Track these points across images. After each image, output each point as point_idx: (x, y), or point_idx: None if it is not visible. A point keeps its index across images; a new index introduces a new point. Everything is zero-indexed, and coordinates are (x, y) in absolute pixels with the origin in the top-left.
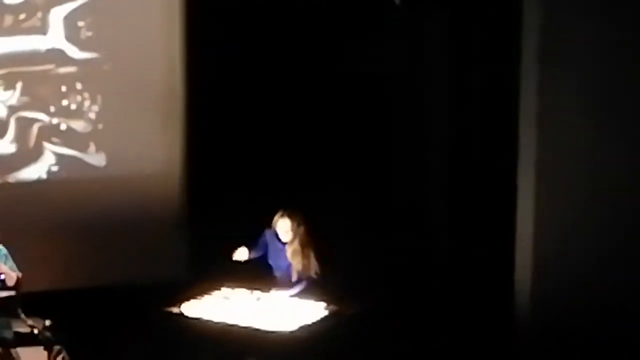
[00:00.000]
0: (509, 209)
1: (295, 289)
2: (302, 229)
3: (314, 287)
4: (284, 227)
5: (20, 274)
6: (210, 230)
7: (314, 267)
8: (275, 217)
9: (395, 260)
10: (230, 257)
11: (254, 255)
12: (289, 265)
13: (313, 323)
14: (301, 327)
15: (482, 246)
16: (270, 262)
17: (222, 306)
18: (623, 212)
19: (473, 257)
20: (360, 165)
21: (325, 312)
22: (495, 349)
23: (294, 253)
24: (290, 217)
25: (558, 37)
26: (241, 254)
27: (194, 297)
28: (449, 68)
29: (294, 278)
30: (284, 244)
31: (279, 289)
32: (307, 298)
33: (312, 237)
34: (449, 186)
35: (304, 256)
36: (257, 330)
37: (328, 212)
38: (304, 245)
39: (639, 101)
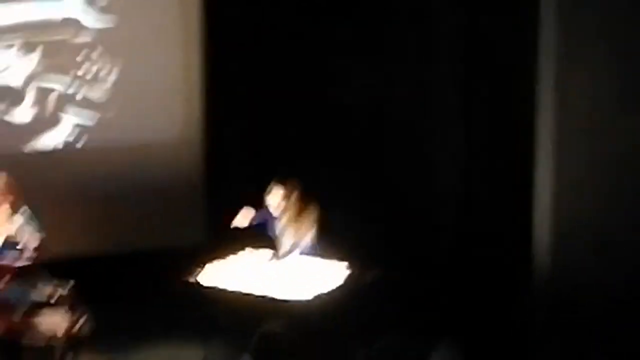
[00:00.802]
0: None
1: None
2: (294, 196)
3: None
4: (274, 201)
5: (43, 235)
6: (229, 196)
7: (310, 233)
8: (267, 192)
9: (409, 227)
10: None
11: (255, 222)
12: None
13: (330, 291)
14: (317, 296)
15: (499, 218)
16: (270, 234)
17: (240, 271)
18: None
19: (489, 227)
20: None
21: (342, 279)
22: (512, 320)
23: (287, 223)
24: (282, 187)
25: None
26: (243, 217)
27: (212, 263)
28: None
29: (291, 248)
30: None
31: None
32: (328, 258)
33: (308, 203)
34: (464, 157)
35: (298, 225)
36: (273, 299)
37: (334, 181)
38: (298, 213)
39: None
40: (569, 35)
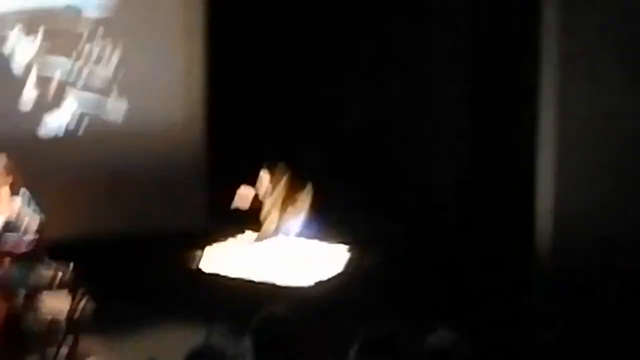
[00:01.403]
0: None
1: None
2: (283, 181)
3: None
4: (261, 185)
5: (43, 217)
6: (232, 180)
7: (297, 218)
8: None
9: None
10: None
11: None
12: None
13: (331, 277)
14: (318, 282)
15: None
16: None
17: (242, 255)
18: None
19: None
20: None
21: (343, 264)
22: (514, 295)
23: (272, 207)
24: (268, 172)
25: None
26: (243, 197)
27: (214, 246)
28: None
29: (272, 231)
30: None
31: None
32: (330, 242)
33: (300, 188)
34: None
35: (284, 209)
36: (274, 285)
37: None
38: (286, 198)
39: None
40: (570, 32)
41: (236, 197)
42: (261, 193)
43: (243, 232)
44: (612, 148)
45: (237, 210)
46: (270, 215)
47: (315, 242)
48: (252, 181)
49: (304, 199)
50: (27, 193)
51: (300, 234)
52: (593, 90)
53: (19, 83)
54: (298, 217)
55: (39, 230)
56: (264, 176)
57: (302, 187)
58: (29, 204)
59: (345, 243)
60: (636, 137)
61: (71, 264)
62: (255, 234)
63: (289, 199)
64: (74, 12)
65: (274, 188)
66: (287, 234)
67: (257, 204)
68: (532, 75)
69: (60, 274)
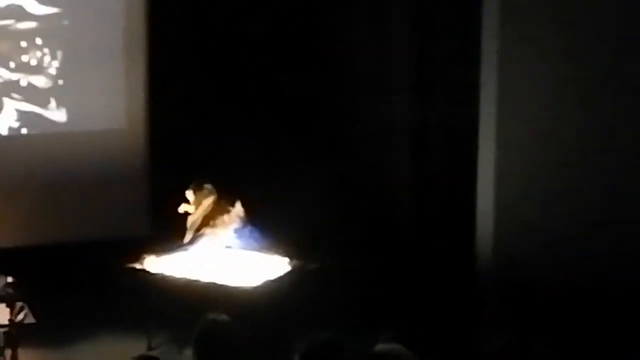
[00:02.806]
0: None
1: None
2: (210, 197)
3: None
4: (190, 198)
5: None
6: (173, 185)
7: (234, 217)
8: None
9: (356, 215)
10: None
11: None
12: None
13: (276, 278)
14: (264, 283)
15: (444, 196)
16: None
17: (184, 261)
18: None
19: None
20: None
21: (288, 267)
22: (458, 300)
23: (198, 218)
24: (197, 187)
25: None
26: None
27: (156, 253)
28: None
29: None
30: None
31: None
32: (272, 252)
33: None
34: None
35: (219, 212)
36: (220, 285)
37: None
38: (213, 211)
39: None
40: (511, 29)
41: (184, 204)
42: (190, 205)
43: (183, 238)
44: (551, 147)
45: (179, 216)
46: (193, 225)
47: (257, 251)
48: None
49: (236, 212)
50: None
51: (238, 244)
52: (532, 91)
53: None
54: (229, 229)
55: None
56: (189, 195)
57: (234, 200)
58: None
59: (288, 250)
60: (577, 139)
61: (9, 277)
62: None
63: (218, 213)
64: (16, 12)
65: (198, 205)
66: (218, 244)
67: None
68: (474, 77)
69: None
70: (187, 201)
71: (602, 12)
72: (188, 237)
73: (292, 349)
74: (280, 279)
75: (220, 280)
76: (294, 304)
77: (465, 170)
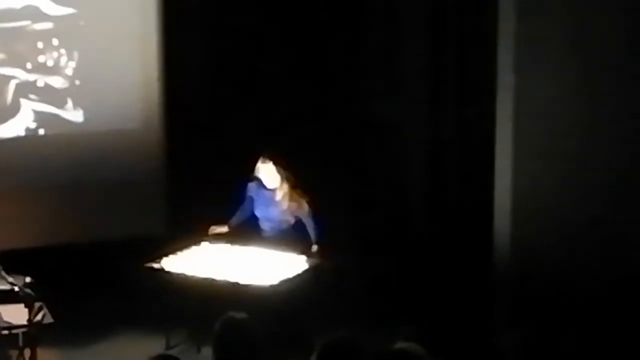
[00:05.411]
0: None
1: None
2: (286, 171)
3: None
4: (268, 173)
5: None
6: (190, 185)
7: (304, 207)
8: (257, 165)
9: (373, 216)
10: (209, 214)
11: (243, 216)
12: (280, 213)
13: (293, 277)
14: (282, 281)
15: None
16: (258, 213)
17: (201, 261)
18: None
19: (451, 204)
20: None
21: (305, 266)
22: (474, 298)
23: (284, 195)
24: (272, 161)
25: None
26: (219, 228)
27: (173, 252)
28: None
29: (289, 221)
30: (271, 190)
31: (264, 242)
32: (288, 251)
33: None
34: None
35: (293, 198)
36: (238, 284)
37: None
38: (292, 187)
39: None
40: (528, 28)
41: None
42: (269, 185)
43: (200, 237)
44: (567, 143)
45: (195, 214)
46: (281, 204)
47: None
48: (209, 185)
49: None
50: None
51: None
52: (548, 90)
53: None
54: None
55: None
56: (267, 167)
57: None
58: None
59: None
60: (591, 132)
61: (27, 277)
62: (225, 246)
63: (292, 190)
64: (33, 13)
65: (281, 178)
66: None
67: None
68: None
69: (16, 287)
70: (205, 204)
71: (615, 10)
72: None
73: (310, 346)
74: (297, 277)
75: (238, 279)
76: (312, 303)
77: (481, 170)
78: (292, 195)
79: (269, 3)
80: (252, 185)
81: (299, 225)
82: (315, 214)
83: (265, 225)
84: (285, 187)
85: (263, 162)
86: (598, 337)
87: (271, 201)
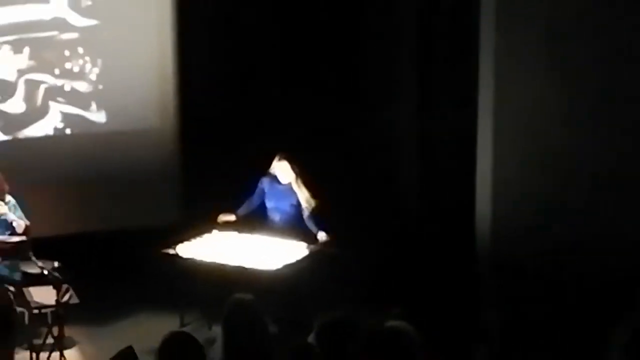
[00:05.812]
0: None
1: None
2: (298, 169)
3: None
4: (282, 170)
5: (28, 222)
6: (202, 179)
7: (312, 202)
8: (274, 162)
9: (369, 207)
10: (220, 205)
11: (250, 207)
12: (292, 205)
13: (295, 262)
14: (285, 266)
15: (447, 186)
16: (270, 205)
17: (212, 247)
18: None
19: (439, 198)
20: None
21: (307, 253)
22: (459, 281)
23: (296, 190)
24: (287, 159)
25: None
26: (228, 216)
27: (187, 240)
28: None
29: (297, 213)
30: (284, 185)
31: (270, 231)
32: (292, 239)
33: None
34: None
35: (303, 193)
36: (245, 268)
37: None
38: (303, 184)
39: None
40: (507, 36)
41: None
42: (284, 180)
43: (211, 226)
44: (545, 145)
45: (207, 207)
46: (298, 196)
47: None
48: (222, 179)
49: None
50: (13, 200)
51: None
52: (526, 90)
53: (11, 91)
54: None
55: (24, 233)
56: (282, 164)
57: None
58: (15, 211)
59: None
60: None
61: (55, 262)
62: (234, 234)
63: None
64: (60, 24)
65: (295, 174)
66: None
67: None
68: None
69: (45, 270)
70: (215, 196)
71: (593, 9)
72: (296, 202)
73: (310, 325)
74: (299, 262)
75: (245, 264)
76: (312, 285)
77: (465, 167)
78: (302, 190)
79: (275, 6)
80: (265, 180)
81: (305, 217)
82: (321, 208)
83: (275, 216)
84: (298, 183)
85: (279, 160)
86: (571, 320)
87: (283, 195)
